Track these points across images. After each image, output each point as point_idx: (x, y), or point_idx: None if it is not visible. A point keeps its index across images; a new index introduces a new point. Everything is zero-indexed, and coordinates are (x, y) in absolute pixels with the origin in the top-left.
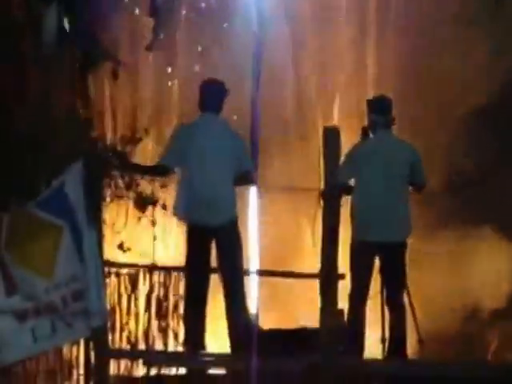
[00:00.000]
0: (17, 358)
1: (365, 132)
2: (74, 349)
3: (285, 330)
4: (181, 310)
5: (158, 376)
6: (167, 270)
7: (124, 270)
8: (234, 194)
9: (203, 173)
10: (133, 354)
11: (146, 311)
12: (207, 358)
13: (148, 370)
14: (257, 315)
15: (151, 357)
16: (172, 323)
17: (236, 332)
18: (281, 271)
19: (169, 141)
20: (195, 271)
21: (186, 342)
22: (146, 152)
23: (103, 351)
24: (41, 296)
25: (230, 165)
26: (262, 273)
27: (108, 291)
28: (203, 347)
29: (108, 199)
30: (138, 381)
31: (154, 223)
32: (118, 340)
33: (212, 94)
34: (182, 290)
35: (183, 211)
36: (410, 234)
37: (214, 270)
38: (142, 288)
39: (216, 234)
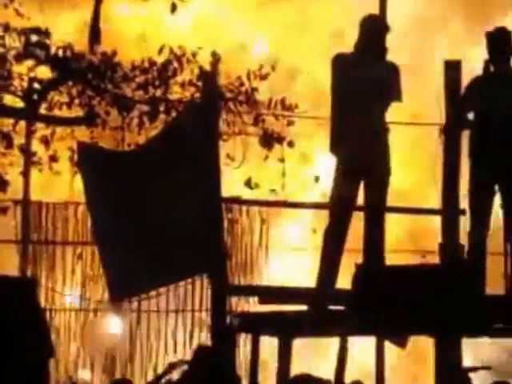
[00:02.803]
0: (135, 296)
1: (487, 65)
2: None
3: (406, 266)
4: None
5: (277, 313)
6: (297, 207)
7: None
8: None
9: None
10: (250, 291)
11: None
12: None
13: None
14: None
15: (268, 293)
16: None
17: (362, 266)
18: (403, 207)
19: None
20: (341, 210)
21: (318, 281)
22: (273, 88)
23: (220, 287)
24: (157, 232)
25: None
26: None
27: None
28: (333, 288)
29: (232, 134)
30: (257, 317)
31: (282, 160)
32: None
33: None
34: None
35: (335, 146)
36: None
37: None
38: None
39: (367, 171)
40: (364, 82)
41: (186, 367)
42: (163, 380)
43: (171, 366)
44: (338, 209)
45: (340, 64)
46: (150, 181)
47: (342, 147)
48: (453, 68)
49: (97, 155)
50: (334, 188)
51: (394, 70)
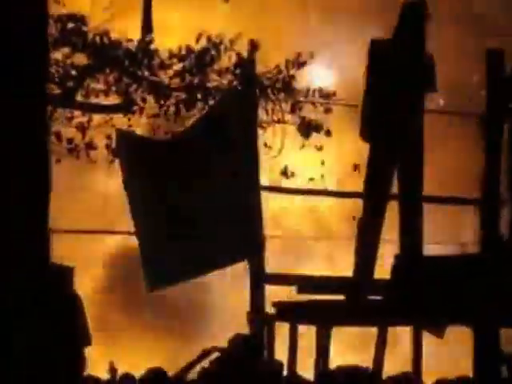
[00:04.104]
0: (172, 285)
1: None
2: None
3: (445, 256)
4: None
5: (315, 302)
6: (335, 195)
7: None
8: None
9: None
10: (289, 280)
11: None
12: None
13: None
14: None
15: (306, 283)
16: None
17: (401, 256)
18: (441, 197)
19: None
20: (376, 199)
21: (355, 270)
22: (310, 77)
23: (259, 276)
24: (195, 221)
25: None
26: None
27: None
28: (371, 275)
29: (269, 122)
30: (295, 306)
31: (320, 148)
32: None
33: None
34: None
35: (368, 132)
36: None
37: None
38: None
39: (401, 157)
40: (400, 69)
41: (219, 354)
42: (197, 367)
43: (204, 353)
44: (373, 197)
45: (377, 50)
46: (189, 169)
47: (375, 133)
48: (495, 56)
49: (135, 143)
50: (368, 176)
51: (429, 60)
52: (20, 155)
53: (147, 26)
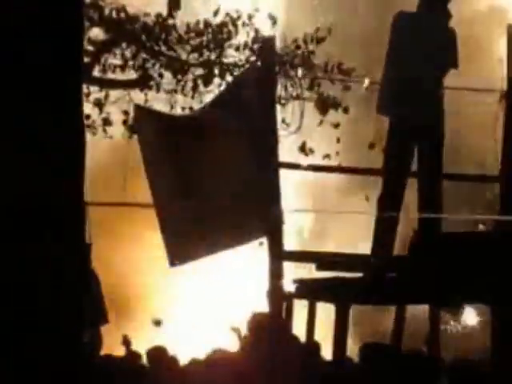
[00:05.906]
0: (193, 260)
1: None
2: None
3: (463, 233)
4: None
5: (334, 279)
6: (351, 172)
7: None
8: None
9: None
10: (307, 257)
11: None
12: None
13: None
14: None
15: (325, 260)
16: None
17: (419, 233)
18: (460, 174)
19: None
20: (395, 176)
21: (373, 249)
22: (327, 52)
23: (277, 253)
24: (215, 197)
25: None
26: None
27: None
28: (390, 253)
29: (287, 99)
30: (313, 284)
31: (336, 126)
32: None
33: None
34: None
35: (387, 107)
36: None
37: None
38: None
39: (421, 133)
40: (422, 44)
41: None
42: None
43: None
44: (392, 175)
45: (401, 23)
46: (208, 146)
47: (394, 109)
48: None
49: (154, 119)
50: (386, 153)
51: (451, 36)
52: (55, 136)
53: (175, 3)
